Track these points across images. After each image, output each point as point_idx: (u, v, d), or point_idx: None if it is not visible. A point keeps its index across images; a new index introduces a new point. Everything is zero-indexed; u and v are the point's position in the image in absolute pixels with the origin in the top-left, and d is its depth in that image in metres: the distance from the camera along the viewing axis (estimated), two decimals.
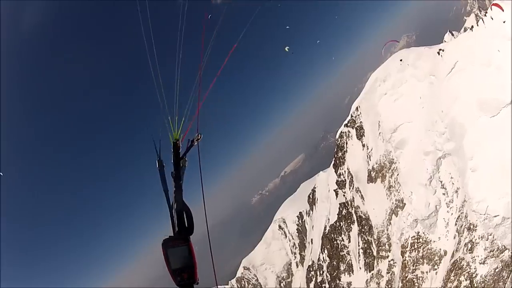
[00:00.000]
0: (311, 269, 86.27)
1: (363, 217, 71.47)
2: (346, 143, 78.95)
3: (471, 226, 50.51)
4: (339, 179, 79.69)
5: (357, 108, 76.57)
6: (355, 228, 74.36)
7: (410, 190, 62.00)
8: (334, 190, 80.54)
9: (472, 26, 58.82)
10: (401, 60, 68.66)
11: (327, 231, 79.97)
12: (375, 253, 68.30)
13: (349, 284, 73.22)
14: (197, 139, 6.50)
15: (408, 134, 63.98)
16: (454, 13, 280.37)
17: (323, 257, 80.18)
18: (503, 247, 46.39)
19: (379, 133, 69.78)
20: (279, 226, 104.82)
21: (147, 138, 6.33)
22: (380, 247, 66.98)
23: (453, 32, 72.30)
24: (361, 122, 75.44)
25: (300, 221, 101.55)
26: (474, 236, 49.73)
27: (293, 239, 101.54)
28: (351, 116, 77.85)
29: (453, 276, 51.09)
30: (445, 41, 69.94)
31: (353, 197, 75.04)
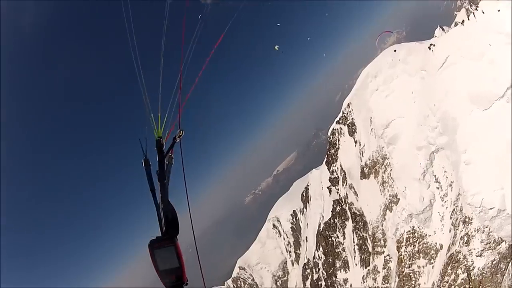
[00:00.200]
0: (306, 267, 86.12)
1: (357, 213, 71.49)
2: (338, 140, 78.92)
3: (467, 219, 50.62)
4: (332, 176, 79.67)
5: (348, 105, 76.55)
6: (349, 224, 74.35)
7: (404, 185, 62.04)
8: (328, 187, 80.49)
9: (463, 21, 58.84)
10: (395, 51, 68.78)
11: (321, 228, 79.92)
12: (370, 249, 68.31)
13: (345, 280, 73.17)
14: (179, 136, 6.45)
15: (400, 130, 64.01)
16: (444, 8, 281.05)
17: (319, 255, 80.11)
18: (499, 239, 46.48)
19: (371, 129, 69.80)
20: (273, 225, 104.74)
21: (142, 136, 6.25)
22: (376, 243, 67.00)
23: (444, 27, 72.40)
24: (352, 118, 75.43)
25: (294, 220, 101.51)
26: (470, 229, 49.82)
27: (287, 237, 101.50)
28: (343, 113, 77.82)
29: (450, 270, 51.19)
30: (435, 36, 69.98)
31: (346, 194, 75.03)
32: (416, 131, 61.21)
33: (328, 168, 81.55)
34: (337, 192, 77.67)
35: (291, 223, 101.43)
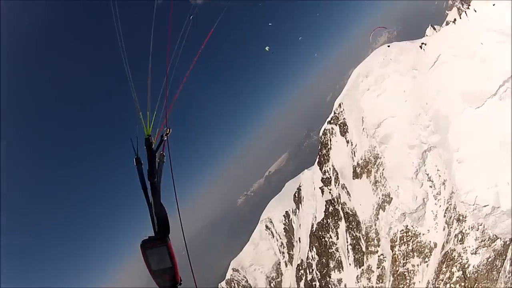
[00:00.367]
0: (300, 267, 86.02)
1: (350, 213, 71.46)
2: (330, 140, 78.95)
3: (461, 217, 50.66)
4: (324, 177, 79.65)
5: (340, 105, 76.60)
6: (342, 224, 74.33)
7: (397, 184, 62.03)
8: (320, 188, 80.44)
9: (455, 19, 59.02)
10: (388, 46, 68.97)
11: (314, 229, 79.86)
12: (364, 249, 68.27)
13: (339, 281, 73.11)
14: (166, 134, 6.50)
15: (392, 129, 63.98)
16: (435, 8, 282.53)
17: (312, 255, 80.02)
18: (494, 236, 46.51)
19: (363, 128, 69.82)
20: (266, 226, 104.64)
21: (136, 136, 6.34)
22: (369, 243, 66.96)
23: (435, 27, 72.66)
24: (344, 118, 75.48)
25: (287, 220, 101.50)
26: (464, 227, 49.86)
27: (280, 238, 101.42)
28: (334, 113, 77.87)
29: (445, 268, 51.19)
30: (427, 36, 70.20)
31: (339, 194, 75.01)
32: (408, 130, 61.24)
33: (320, 169, 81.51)
34: (330, 192, 77.65)
35: (284, 224, 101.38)
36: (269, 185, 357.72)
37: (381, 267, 64.57)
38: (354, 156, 71.57)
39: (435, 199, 57.88)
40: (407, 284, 58.53)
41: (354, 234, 70.40)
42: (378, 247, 65.60)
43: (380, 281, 63.92)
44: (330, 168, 78.54)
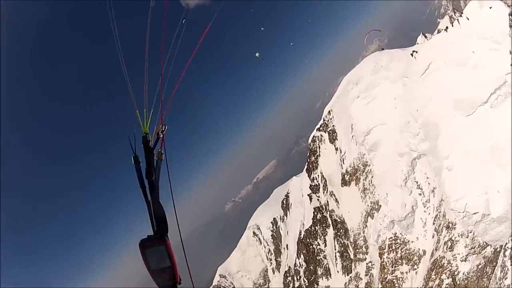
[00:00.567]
0: (288, 274, 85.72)
1: (339, 220, 71.39)
2: (319, 147, 78.94)
3: (450, 225, 50.77)
4: (313, 184, 79.61)
5: (329, 112, 76.68)
6: (330, 232, 74.24)
7: (386, 191, 62.10)
8: (308, 195, 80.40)
9: (447, 27, 59.39)
10: (383, 49, 69.30)
11: (302, 236, 79.71)
12: (352, 256, 68.18)
13: None
14: (161, 131, 6.42)
15: (381, 136, 64.15)
16: (427, 16, 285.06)
17: (300, 262, 79.84)
18: (484, 243, 46.66)
19: (352, 136, 69.89)
20: (254, 233, 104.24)
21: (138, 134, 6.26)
22: (357, 250, 66.89)
23: (426, 35, 73.08)
24: (333, 125, 75.52)
25: (274, 227, 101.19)
26: (453, 234, 49.96)
27: (268, 245, 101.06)
28: (324, 120, 77.93)
29: (434, 275, 51.21)
30: (418, 44, 70.53)
31: (327, 201, 74.95)
32: (397, 137, 61.40)
33: (308, 176, 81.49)
34: (318, 200, 77.57)
35: (272, 230, 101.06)
36: (257, 192, 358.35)
37: (369, 274, 64.49)
38: (343, 163, 71.58)
39: (424, 207, 57.98)
40: None
41: (342, 242, 70.32)
42: (367, 254, 65.54)
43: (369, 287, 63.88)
44: (318, 175, 78.52)
